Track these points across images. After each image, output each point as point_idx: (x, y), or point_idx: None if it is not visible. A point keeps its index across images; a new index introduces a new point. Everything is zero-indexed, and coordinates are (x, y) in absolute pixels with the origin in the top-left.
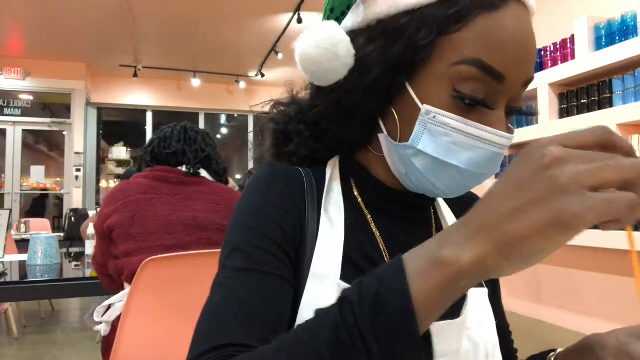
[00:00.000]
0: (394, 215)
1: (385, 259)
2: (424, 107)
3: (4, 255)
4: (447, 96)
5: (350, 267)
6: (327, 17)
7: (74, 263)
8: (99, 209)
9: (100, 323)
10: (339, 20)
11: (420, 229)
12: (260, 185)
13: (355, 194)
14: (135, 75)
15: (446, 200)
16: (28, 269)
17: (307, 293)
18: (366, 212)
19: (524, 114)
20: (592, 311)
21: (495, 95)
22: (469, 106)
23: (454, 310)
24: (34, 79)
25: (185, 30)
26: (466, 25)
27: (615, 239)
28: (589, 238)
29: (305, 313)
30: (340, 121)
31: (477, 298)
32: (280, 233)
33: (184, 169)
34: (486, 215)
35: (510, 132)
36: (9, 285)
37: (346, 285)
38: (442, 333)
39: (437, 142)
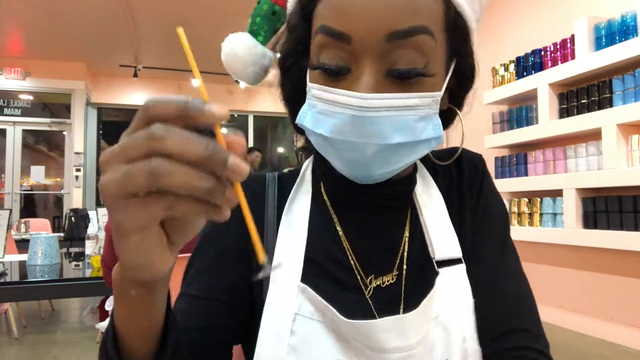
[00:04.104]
0: (361, 208)
1: (349, 256)
2: (308, 85)
3: (4, 255)
4: (313, 69)
5: (313, 268)
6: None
7: (74, 263)
8: None
9: (101, 320)
10: (267, 37)
11: (392, 217)
12: None
13: (323, 193)
14: (135, 75)
15: (440, 181)
16: (28, 269)
17: (269, 297)
18: (331, 210)
19: (415, 75)
20: (592, 311)
21: (352, 57)
22: (333, 74)
23: (412, 303)
24: (34, 79)
25: (185, 31)
26: None
27: (614, 240)
28: (588, 238)
29: (268, 317)
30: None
31: (449, 280)
32: (228, 253)
33: None
34: None
35: (384, 91)
36: (9, 285)
37: (305, 287)
38: (389, 330)
39: (312, 114)
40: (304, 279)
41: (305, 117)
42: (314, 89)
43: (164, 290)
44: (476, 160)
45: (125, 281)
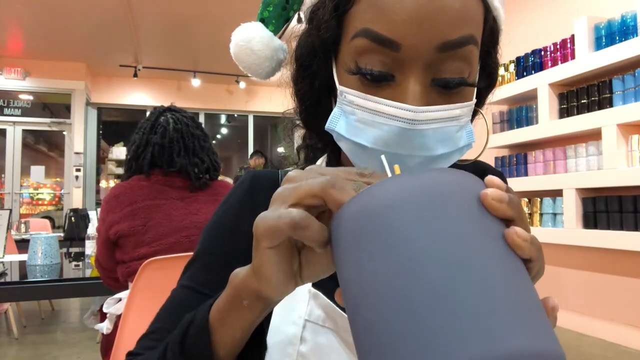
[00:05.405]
0: None
1: None
2: (339, 88)
3: (4, 255)
4: (351, 73)
5: None
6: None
7: (74, 263)
8: (100, 212)
9: (101, 322)
10: (277, 26)
11: None
12: (226, 199)
13: None
14: (135, 75)
15: None
16: (28, 269)
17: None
18: None
19: (461, 85)
20: (592, 311)
21: (398, 65)
22: (375, 81)
23: None
24: (34, 79)
25: (185, 30)
26: None
27: (614, 240)
28: (588, 238)
29: (277, 323)
30: (310, 117)
31: None
32: (232, 248)
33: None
34: None
35: (436, 103)
36: (9, 285)
37: (317, 292)
38: None
39: (348, 121)
40: (315, 284)
41: (337, 122)
42: (352, 95)
43: (264, 316)
44: (500, 176)
45: (245, 288)
